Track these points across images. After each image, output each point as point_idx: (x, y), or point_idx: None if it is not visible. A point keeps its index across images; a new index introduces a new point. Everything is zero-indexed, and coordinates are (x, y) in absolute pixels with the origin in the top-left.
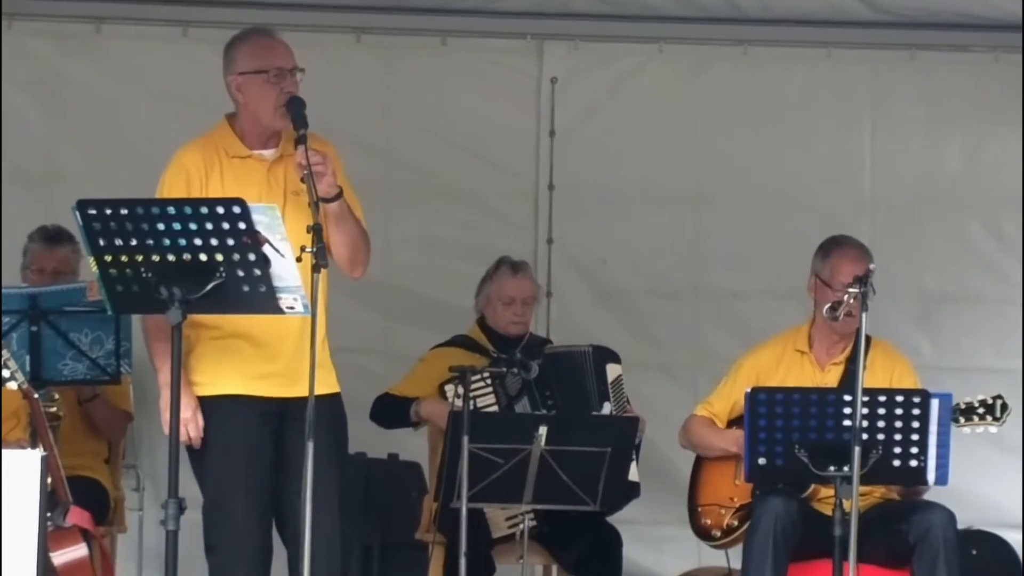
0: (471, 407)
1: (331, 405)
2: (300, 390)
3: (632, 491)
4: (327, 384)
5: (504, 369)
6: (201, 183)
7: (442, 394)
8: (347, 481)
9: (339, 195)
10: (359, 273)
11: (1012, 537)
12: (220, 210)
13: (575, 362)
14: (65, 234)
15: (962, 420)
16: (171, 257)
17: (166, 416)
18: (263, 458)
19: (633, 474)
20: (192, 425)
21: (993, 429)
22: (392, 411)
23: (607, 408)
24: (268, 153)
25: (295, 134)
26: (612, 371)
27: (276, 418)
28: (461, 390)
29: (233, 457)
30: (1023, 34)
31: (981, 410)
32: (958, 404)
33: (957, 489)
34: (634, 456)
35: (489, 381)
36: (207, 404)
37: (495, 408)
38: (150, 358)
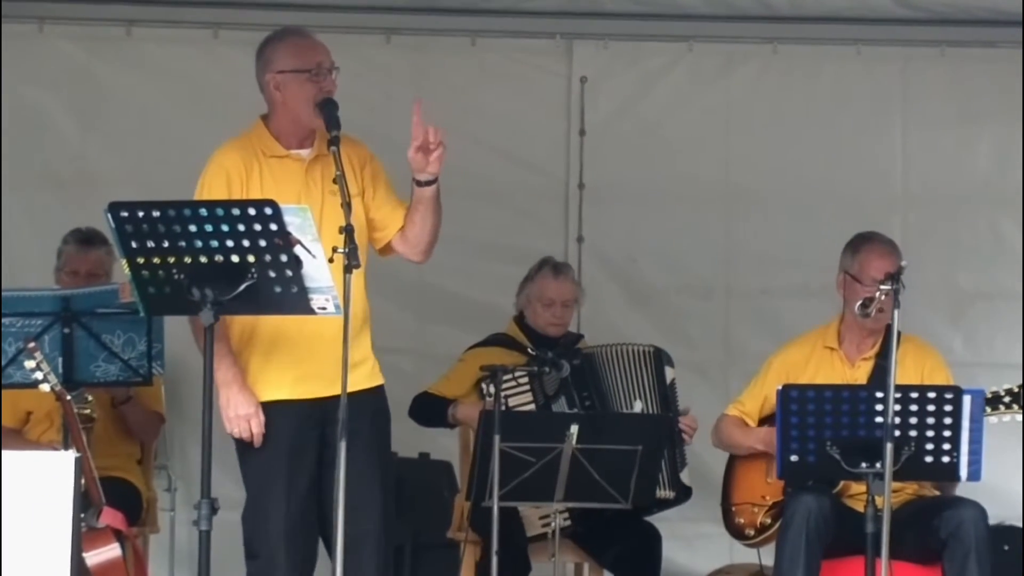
0: (505, 406)
1: (375, 400)
2: (340, 388)
3: (683, 495)
4: (371, 377)
5: (536, 368)
6: (242, 183)
7: (479, 392)
8: (391, 478)
9: (436, 179)
10: (428, 258)
11: None
12: (252, 211)
13: (632, 359)
14: (99, 237)
15: (988, 409)
16: (203, 259)
17: (228, 414)
18: (306, 463)
19: (684, 477)
20: (255, 421)
21: (1020, 417)
22: (431, 410)
23: (638, 406)
24: (305, 153)
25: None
26: (669, 374)
27: (319, 420)
28: (494, 389)
29: (276, 463)
30: None
31: (1007, 399)
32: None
33: (988, 485)
34: (687, 461)
35: (525, 380)
36: None
37: (532, 407)
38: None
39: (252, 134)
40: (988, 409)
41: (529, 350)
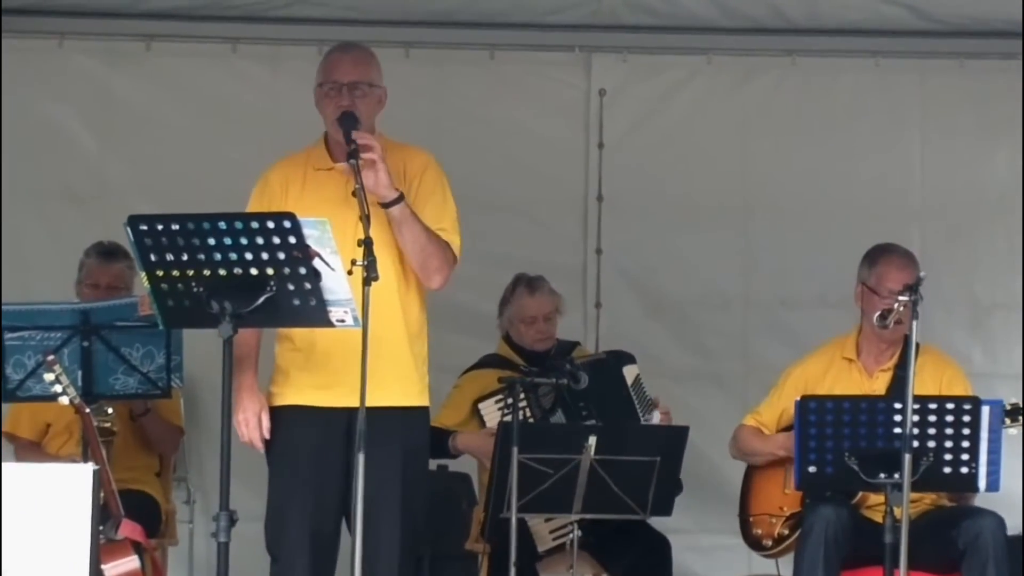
0: (523, 416)
1: (409, 419)
2: (369, 400)
3: (676, 488)
4: (409, 396)
5: (555, 380)
6: (281, 195)
7: (476, 412)
8: (419, 496)
9: (397, 200)
10: (437, 284)
11: None
12: (271, 224)
13: (601, 372)
14: (121, 250)
15: (1007, 421)
16: (222, 271)
17: (236, 418)
18: (329, 470)
19: None
20: (251, 424)
21: None
22: (433, 444)
23: (656, 417)
24: None
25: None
26: (629, 373)
27: (346, 430)
28: (498, 406)
29: (293, 469)
30: None
31: None
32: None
33: (1007, 495)
34: None
35: (522, 395)
36: (274, 414)
37: (531, 422)
38: None
39: (313, 148)
40: (1007, 420)
41: (522, 368)
